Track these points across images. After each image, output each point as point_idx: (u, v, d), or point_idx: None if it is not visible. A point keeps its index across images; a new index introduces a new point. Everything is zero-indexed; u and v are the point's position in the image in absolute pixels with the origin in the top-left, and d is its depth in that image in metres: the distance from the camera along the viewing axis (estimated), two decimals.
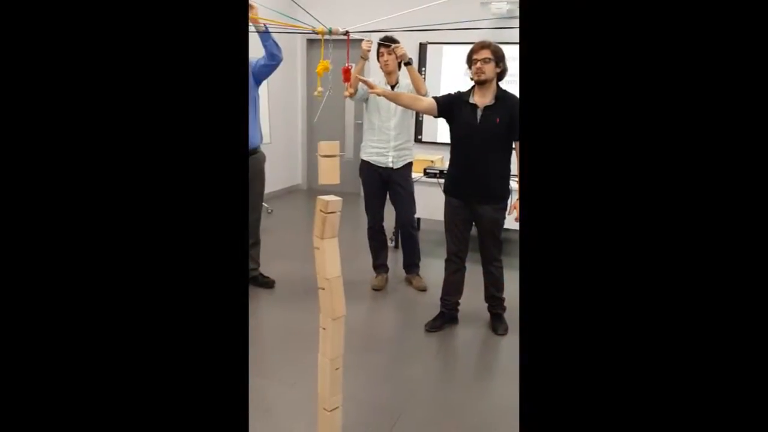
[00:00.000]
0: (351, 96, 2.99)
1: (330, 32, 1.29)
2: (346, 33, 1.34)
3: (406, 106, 2.58)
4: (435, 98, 2.56)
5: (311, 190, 6.39)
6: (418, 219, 4.65)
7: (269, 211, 5.14)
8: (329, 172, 1.46)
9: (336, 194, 1.45)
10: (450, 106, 2.53)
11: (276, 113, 5.63)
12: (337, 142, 1.45)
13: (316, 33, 1.27)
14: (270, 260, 3.49)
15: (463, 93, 2.54)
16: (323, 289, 1.55)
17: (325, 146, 1.47)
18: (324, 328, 1.58)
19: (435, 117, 2.58)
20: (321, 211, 1.50)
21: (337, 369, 1.62)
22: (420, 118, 5.68)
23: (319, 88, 1.44)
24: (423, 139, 5.69)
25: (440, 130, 5.55)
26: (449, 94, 2.58)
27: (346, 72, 1.42)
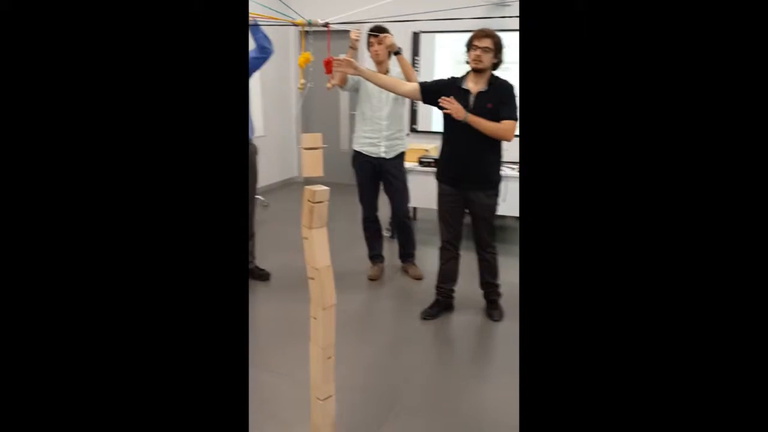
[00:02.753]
0: (341, 86, 2.99)
1: (309, 24, 1.29)
2: (326, 25, 1.33)
3: (387, 89, 2.55)
4: (421, 84, 2.54)
5: (308, 182, 6.38)
6: (414, 208, 4.66)
7: (265, 204, 5.14)
8: (312, 165, 1.46)
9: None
10: (440, 92, 2.50)
11: (270, 105, 5.62)
12: (320, 134, 1.45)
13: (295, 25, 1.26)
14: (266, 253, 3.50)
15: (457, 78, 2.53)
16: (313, 278, 1.55)
17: (308, 138, 1.47)
18: (315, 318, 1.59)
19: (422, 102, 2.57)
20: (308, 201, 1.50)
21: (329, 358, 1.63)
22: (415, 107, 5.66)
23: (302, 81, 1.43)
24: (418, 129, 5.68)
25: (435, 119, 5.54)
26: (440, 80, 2.57)
27: (328, 64, 1.41)
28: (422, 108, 5.63)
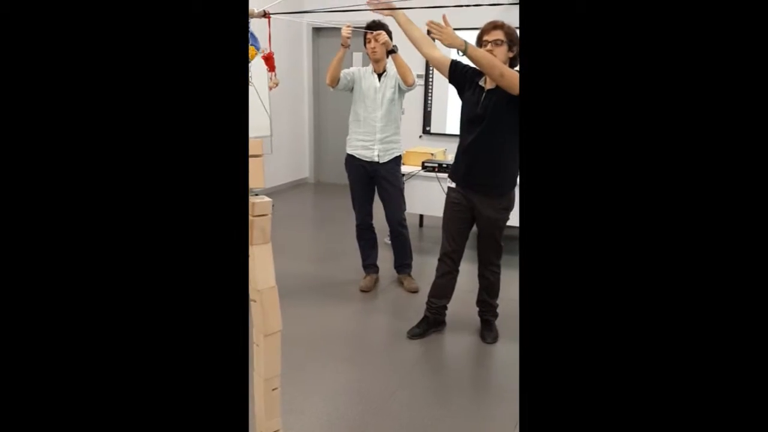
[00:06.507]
0: (332, 85, 2.81)
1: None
2: (265, 14, 1.15)
3: (418, 46, 2.24)
4: (455, 61, 2.29)
5: (319, 183, 6.24)
6: (421, 216, 4.46)
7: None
8: (253, 174, 1.28)
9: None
10: (462, 80, 2.30)
11: (280, 104, 5.48)
12: (261, 141, 1.26)
13: None
14: None
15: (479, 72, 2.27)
16: (254, 301, 1.38)
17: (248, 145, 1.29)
18: (257, 345, 1.41)
19: (448, 80, 2.33)
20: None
21: (274, 390, 1.45)
22: (429, 109, 5.46)
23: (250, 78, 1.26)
24: (431, 131, 5.47)
25: (450, 121, 5.32)
26: (470, 67, 2.28)
27: (268, 60, 1.22)
28: (436, 109, 5.42)
